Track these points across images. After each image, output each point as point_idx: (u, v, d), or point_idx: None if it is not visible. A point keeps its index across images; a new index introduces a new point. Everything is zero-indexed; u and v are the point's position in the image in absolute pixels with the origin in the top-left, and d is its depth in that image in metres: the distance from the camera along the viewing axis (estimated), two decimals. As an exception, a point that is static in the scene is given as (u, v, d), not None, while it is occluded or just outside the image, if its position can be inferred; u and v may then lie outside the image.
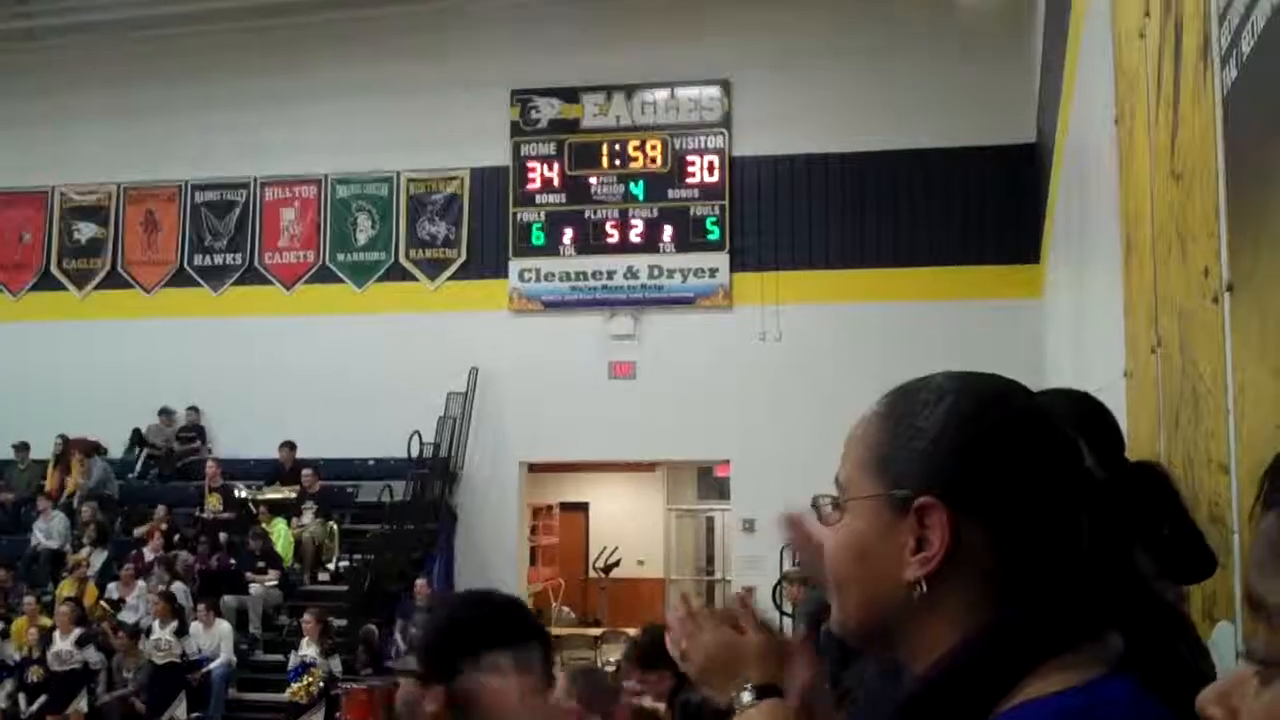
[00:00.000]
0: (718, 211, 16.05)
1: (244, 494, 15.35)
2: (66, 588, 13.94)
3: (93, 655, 12.98)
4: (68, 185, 17.74)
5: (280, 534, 14.70)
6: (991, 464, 1.23)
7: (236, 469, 15.87)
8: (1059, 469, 1.24)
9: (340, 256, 16.95)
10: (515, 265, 16.36)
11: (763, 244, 15.77)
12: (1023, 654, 1.17)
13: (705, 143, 16.28)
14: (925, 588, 1.23)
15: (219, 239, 17.23)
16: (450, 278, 16.68)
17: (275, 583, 14.14)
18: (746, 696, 1.60)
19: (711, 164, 16.19)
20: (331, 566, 14.67)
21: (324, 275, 16.96)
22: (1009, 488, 1.22)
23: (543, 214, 16.43)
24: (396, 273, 16.82)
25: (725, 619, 1.65)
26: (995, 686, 1.16)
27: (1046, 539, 1.22)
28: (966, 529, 1.22)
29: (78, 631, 13.01)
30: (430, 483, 14.96)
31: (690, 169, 16.24)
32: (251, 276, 17.17)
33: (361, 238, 16.91)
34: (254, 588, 14.03)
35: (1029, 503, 1.22)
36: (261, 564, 14.32)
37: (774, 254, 15.72)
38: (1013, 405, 1.27)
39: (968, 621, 1.22)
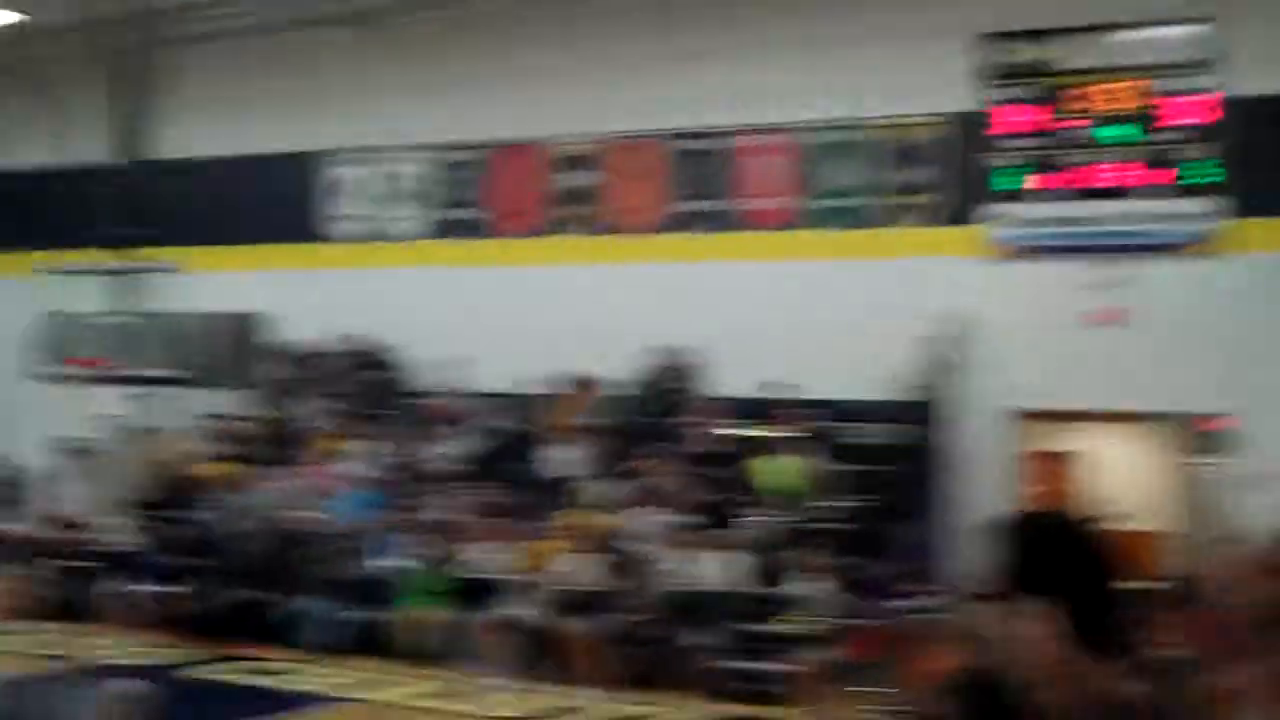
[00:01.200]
0: (1207, 154, 15.34)
1: (731, 432, 15.92)
2: (577, 515, 14.89)
3: (601, 578, 13.85)
4: (560, 137, 18.81)
5: (773, 471, 15.17)
6: None
7: (721, 408, 16.41)
8: None
9: (815, 204, 17.27)
10: (989, 211, 16.18)
11: (1266, 185, 14.92)
12: None
13: (1191, 83, 15.54)
14: None
15: (700, 187, 17.92)
16: (922, 224, 16.69)
17: (769, 518, 14.55)
18: None
19: (1200, 104, 15.46)
20: (821, 504, 14.89)
21: (800, 221, 17.33)
22: None
23: (1018, 158, 16.18)
24: (867, 218, 16.97)
25: None
26: None
27: None
28: None
29: (589, 556, 13.96)
30: (918, 427, 14.99)
31: (1175, 110, 15.56)
32: (732, 223, 17.75)
33: (835, 184, 17.17)
34: (745, 523, 14.51)
35: None
36: (751, 500, 14.84)
37: (1276, 198, 14.89)
38: None
39: None
